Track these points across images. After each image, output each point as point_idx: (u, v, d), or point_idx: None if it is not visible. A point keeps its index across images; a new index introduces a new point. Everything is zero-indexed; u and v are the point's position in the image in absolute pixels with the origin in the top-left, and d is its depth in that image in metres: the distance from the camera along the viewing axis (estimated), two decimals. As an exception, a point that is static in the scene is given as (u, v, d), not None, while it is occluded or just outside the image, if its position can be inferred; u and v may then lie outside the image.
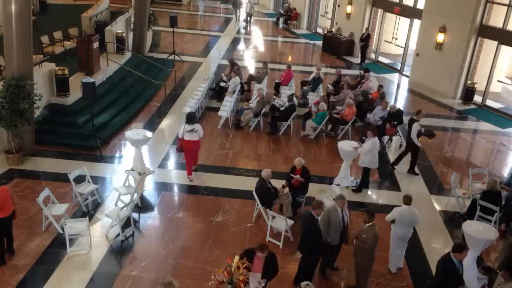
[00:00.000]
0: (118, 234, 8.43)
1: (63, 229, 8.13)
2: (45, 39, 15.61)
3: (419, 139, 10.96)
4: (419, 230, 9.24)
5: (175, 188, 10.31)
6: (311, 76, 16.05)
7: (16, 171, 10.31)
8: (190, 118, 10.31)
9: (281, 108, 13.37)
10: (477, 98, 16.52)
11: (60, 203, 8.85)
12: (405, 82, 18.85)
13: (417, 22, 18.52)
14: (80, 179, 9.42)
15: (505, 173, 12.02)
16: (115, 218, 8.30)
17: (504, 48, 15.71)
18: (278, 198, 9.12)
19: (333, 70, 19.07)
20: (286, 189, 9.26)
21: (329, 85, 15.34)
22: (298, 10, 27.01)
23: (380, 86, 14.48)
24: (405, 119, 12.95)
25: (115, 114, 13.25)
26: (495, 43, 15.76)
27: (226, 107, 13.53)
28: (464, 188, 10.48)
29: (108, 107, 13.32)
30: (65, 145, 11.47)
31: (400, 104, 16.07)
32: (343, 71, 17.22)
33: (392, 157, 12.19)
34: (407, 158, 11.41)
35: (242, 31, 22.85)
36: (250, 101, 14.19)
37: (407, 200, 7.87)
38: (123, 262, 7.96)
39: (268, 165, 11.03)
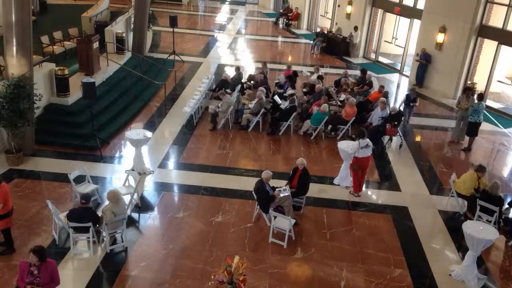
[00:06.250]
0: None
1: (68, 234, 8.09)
2: (45, 39, 15.61)
3: None
4: (418, 230, 9.27)
5: (175, 188, 10.30)
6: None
7: (16, 171, 10.30)
8: (363, 133, 10.01)
9: (281, 106, 13.34)
10: (477, 99, 16.52)
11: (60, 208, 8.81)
12: (405, 82, 18.85)
13: (417, 22, 18.52)
14: (80, 179, 9.42)
15: (505, 173, 12.05)
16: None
17: (504, 48, 15.70)
18: (275, 202, 9.02)
19: (333, 70, 19.14)
20: (282, 193, 9.15)
21: (332, 87, 15.24)
22: (298, 10, 27.00)
23: (382, 87, 14.46)
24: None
25: (115, 114, 13.25)
26: (495, 43, 15.76)
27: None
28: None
29: (108, 107, 13.31)
30: (65, 145, 11.46)
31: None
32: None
33: (392, 157, 12.21)
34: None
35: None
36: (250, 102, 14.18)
37: None
38: (123, 262, 7.96)
39: (268, 165, 11.06)
